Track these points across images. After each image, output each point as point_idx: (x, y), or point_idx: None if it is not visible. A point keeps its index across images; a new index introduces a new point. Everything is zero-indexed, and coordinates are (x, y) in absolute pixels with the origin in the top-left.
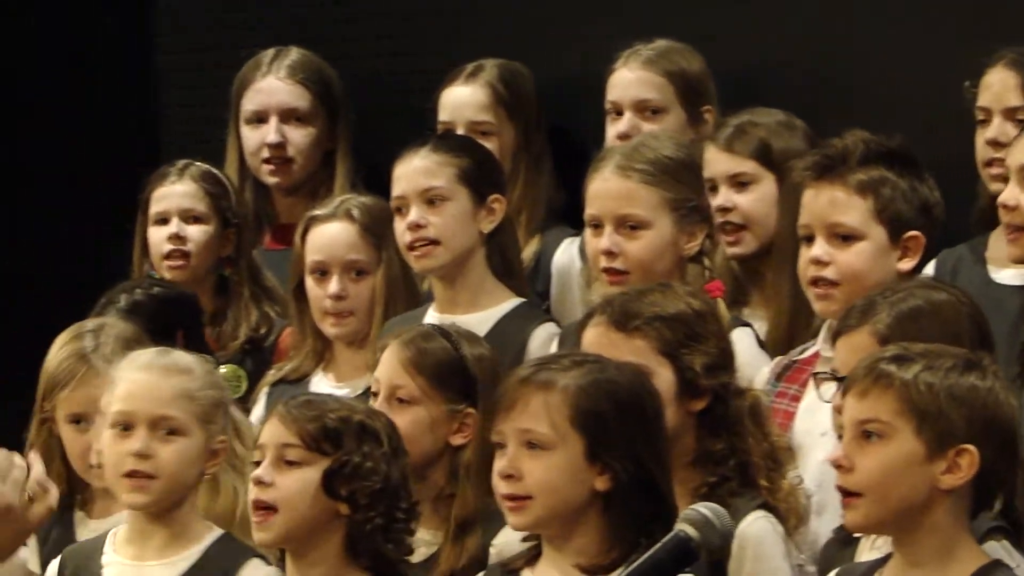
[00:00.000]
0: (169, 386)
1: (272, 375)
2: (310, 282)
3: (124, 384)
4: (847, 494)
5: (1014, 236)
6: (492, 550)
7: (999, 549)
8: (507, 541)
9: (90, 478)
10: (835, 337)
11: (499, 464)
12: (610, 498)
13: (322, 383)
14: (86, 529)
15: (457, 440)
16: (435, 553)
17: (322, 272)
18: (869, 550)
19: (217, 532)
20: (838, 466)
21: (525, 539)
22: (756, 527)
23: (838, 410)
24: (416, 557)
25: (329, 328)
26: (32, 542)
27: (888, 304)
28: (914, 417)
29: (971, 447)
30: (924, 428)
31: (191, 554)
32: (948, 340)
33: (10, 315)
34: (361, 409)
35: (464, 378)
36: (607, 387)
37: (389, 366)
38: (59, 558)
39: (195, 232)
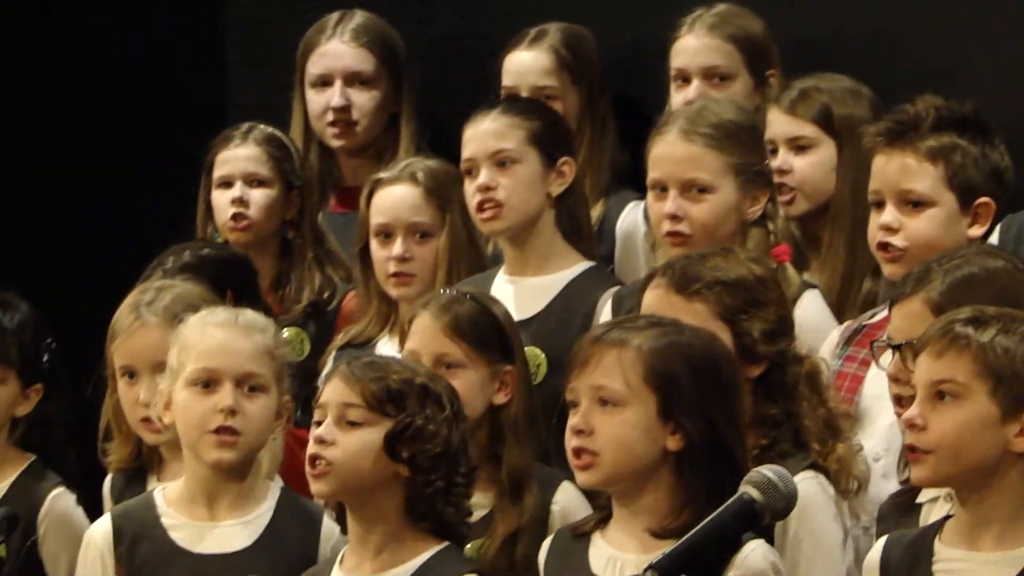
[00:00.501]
0: (252, 343)
1: (340, 339)
2: (374, 244)
3: (203, 341)
4: (917, 452)
5: None
6: (554, 507)
7: None
8: (569, 498)
9: (140, 432)
10: (891, 304)
11: (571, 420)
12: (682, 459)
13: (388, 346)
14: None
15: (499, 399)
16: (487, 515)
17: (386, 234)
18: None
19: (278, 487)
20: (911, 425)
21: (593, 501)
22: (804, 487)
23: (893, 378)
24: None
25: (393, 290)
26: (107, 502)
27: (943, 271)
28: (990, 379)
29: None
30: (999, 390)
31: (265, 510)
32: (1004, 306)
33: (77, 279)
34: (423, 372)
35: (501, 336)
36: (682, 349)
37: (430, 335)
38: (108, 524)
39: (258, 196)
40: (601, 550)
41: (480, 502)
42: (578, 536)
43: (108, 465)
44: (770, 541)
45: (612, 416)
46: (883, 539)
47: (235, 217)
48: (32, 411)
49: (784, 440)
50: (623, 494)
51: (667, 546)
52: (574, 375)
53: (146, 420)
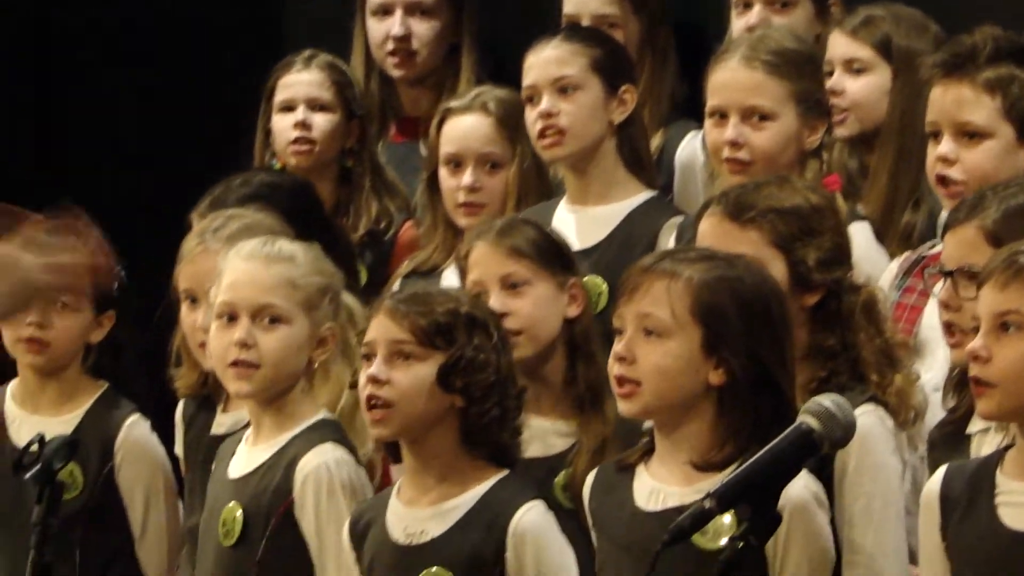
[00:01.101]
0: (270, 275)
1: (405, 267)
2: (443, 173)
3: (229, 274)
4: (981, 384)
5: None
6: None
7: None
8: None
9: (199, 357)
10: (944, 231)
11: (615, 347)
12: (725, 394)
13: (453, 276)
14: (218, 423)
15: (572, 311)
16: (573, 445)
17: (456, 164)
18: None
19: (313, 419)
20: (975, 357)
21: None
22: (864, 420)
23: (944, 305)
24: (553, 449)
25: (461, 219)
26: (179, 428)
27: (998, 199)
28: None
29: None
30: None
31: (281, 440)
32: None
33: (138, 207)
34: (466, 300)
35: (559, 250)
36: (732, 284)
37: (491, 260)
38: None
39: (320, 120)
40: (644, 482)
41: (567, 430)
42: (622, 469)
43: (177, 391)
44: (830, 476)
45: (655, 346)
46: (942, 469)
47: (297, 141)
48: (104, 339)
49: (842, 372)
50: (664, 426)
51: (709, 479)
52: (622, 302)
53: (203, 345)
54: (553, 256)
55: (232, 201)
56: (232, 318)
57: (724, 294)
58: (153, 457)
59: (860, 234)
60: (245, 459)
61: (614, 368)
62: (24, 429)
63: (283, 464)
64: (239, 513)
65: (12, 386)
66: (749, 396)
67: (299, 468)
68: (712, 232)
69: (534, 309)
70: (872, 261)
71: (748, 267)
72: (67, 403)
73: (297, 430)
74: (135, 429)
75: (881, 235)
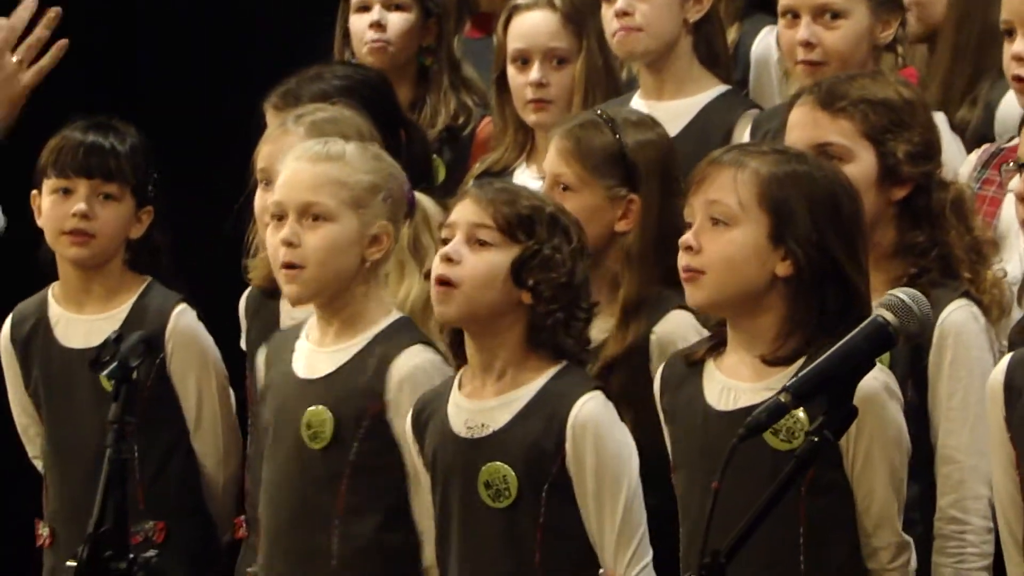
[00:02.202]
0: (314, 173)
1: (477, 167)
2: (511, 70)
3: (283, 174)
4: None
5: None
6: (652, 337)
7: None
8: (671, 328)
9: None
10: (1022, 124)
11: (682, 238)
12: (792, 285)
13: (524, 175)
14: (288, 317)
15: (621, 227)
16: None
17: (523, 60)
18: None
19: (391, 319)
20: None
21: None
22: (957, 316)
23: (1020, 198)
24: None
25: (530, 116)
26: (242, 319)
27: None
28: None
29: None
30: None
31: (360, 341)
32: None
33: (211, 97)
34: (552, 202)
35: (623, 165)
36: (801, 176)
37: (551, 156)
38: (270, 341)
39: (396, 19)
40: (715, 379)
41: (606, 327)
42: (691, 364)
43: (251, 283)
44: (925, 372)
45: (721, 234)
46: (1007, 358)
47: (373, 40)
48: (141, 237)
49: (933, 268)
50: (733, 318)
51: (779, 375)
52: (691, 194)
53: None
54: (610, 168)
55: (305, 93)
56: (282, 218)
57: (792, 185)
58: (203, 346)
59: (938, 126)
60: (318, 360)
61: (682, 259)
62: (71, 329)
63: (370, 366)
64: (328, 416)
65: (54, 287)
66: (816, 288)
67: (392, 371)
68: (803, 120)
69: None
70: (949, 153)
71: (819, 163)
72: (113, 299)
73: (375, 330)
74: (183, 317)
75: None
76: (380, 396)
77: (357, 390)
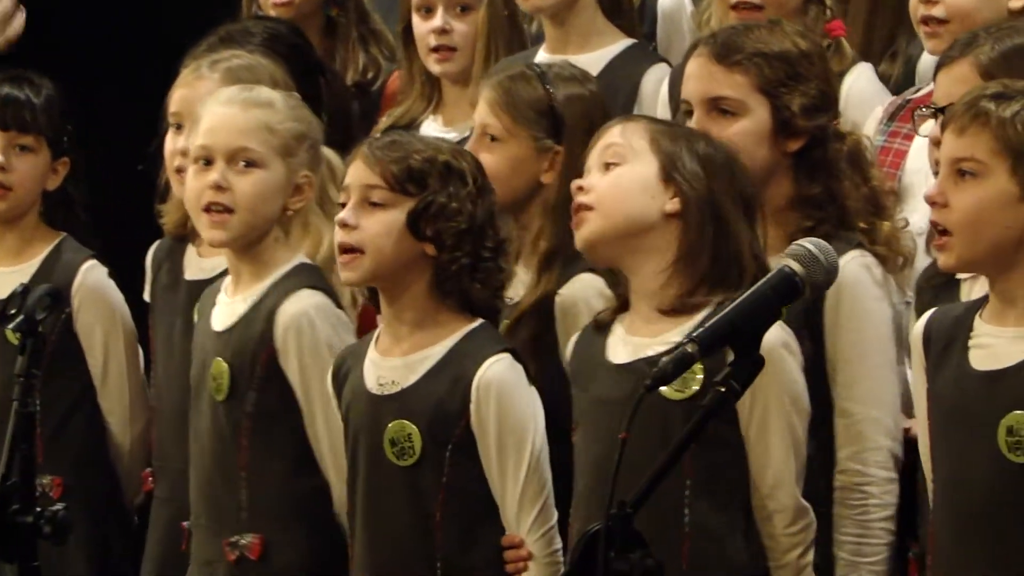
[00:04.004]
0: (246, 119)
1: (384, 121)
2: (416, 19)
3: (206, 119)
4: (939, 231)
5: None
6: (557, 299)
7: None
8: (571, 293)
9: (173, 182)
10: (936, 69)
11: (576, 181)
12: (680, 226)
13: (432, 127)
14: (196, 268)
15: (546, 178)
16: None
17: (427, 9)
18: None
19: (291, 265)
20: (932, 203)
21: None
22: (852, 267)
23: (935, 142)
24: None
25: (433, 65)
26: (148, 271)
27: (992, 38)
28: (1009, 156)
29: None
30: (1020, 168)
31: (260, 289)
32: None
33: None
34: (446, 149)
35: (552, 117)
36: (695, 135)
37: (480, 106)
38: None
39: None
40: (617, 336)
41: (524, 280)
42: (599, 328)
43: (164, 227)
44: (820, 324)
45: (613, 172)
46: (930, 311)
47: None
48: (56, 190)
49: (828, 220)
50: (622, 260)
51: (676, 327)
52: (587, 154)
53: (180, 171)
54: (539, 120)
55: (224, 48)
56: (208, 162)
57: (682, 136)
58: (111, 303)
59: (863, 76)
60: (226, 311)
61: (575, 203)
62: None
63: (262, 314)
64: (225, 368)
65: None
66: (703, 234)
67: (279, 317)
68: (698, 73)
69: (498, 165)
70: (873, 104)
71: (712, 139)
72: (24, 252)
73: (274, 278)
74: (92, 273)
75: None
76: (270, 343)
77: (251, 340)
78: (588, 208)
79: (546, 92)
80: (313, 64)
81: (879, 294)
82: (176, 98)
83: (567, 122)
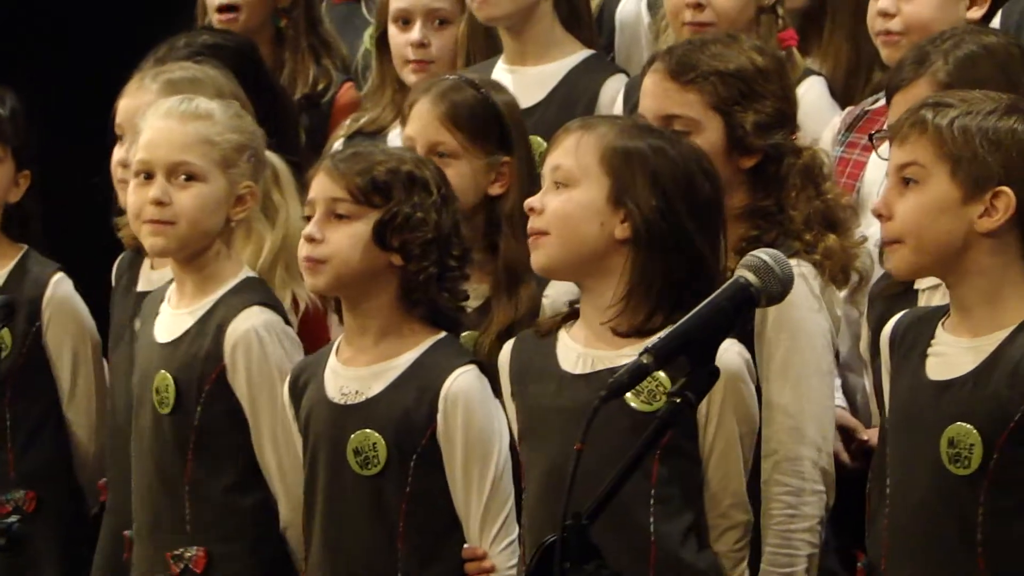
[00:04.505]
0: (185, 132)
1: (348, 126)
2: (393, 30)
3: (146, 132)
4: (888, 241)
5: None
6: (545, 300)
7: None
8: (558, 291)
9: (119, 191)
10: (891, 93)
11: (530, 200)
12: (633, 250)
13: (399, 137)
14: (146, 280)
15: (495, 189)
16: (483, 305)
17: (405, 20)
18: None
19: (239, 278)
20: (878, 215)
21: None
22: None
23: None
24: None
25: (410, 77)
26: (114, 282)
27: (942, 53)
28: (949, 161)
29: (1007, 189)
30: (959, 171)
31: (208, 302)
32: (1005, 83)
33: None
34: (409, 159)
35: (500, 127)
36: (651, 149)
37: (426, 122)
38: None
39: None
40: (568, 347)
41: (477, 291)
42: (542, 335)
43: (122, 240)
44: (750, 333)
45: (562, 194)
46: (900, 314)
47: (221, 9)
48: (17, 203)
49: (771, 230)
50: (578, 282)
51: (634, 344)
52: (546, 160)
53: (123, 182)
54: (488, 131)
55: (174, 59)
56: (149, 176)
57: (635, 151)
58: (80, 315)
59: (812, 89)
60: (171, 323)
61: (529, 223)
62: None
63: (211, 329)
64: (171, 381)
65: None
66: (659, 256)
67: (228, 334)
68: (654, 90)
69: (454, 183)
70: (823, 117)
71: (677, 139)
72: None
73: (221, 292)
74: (61, 287)
75: (849, 96)
76: (219, 359)
77: (199, 355)
78: (542, 232)
79: (489, 102)
80: (263, 79)
81: (814, 305)
82: (120, 109)
83: (512, 130)
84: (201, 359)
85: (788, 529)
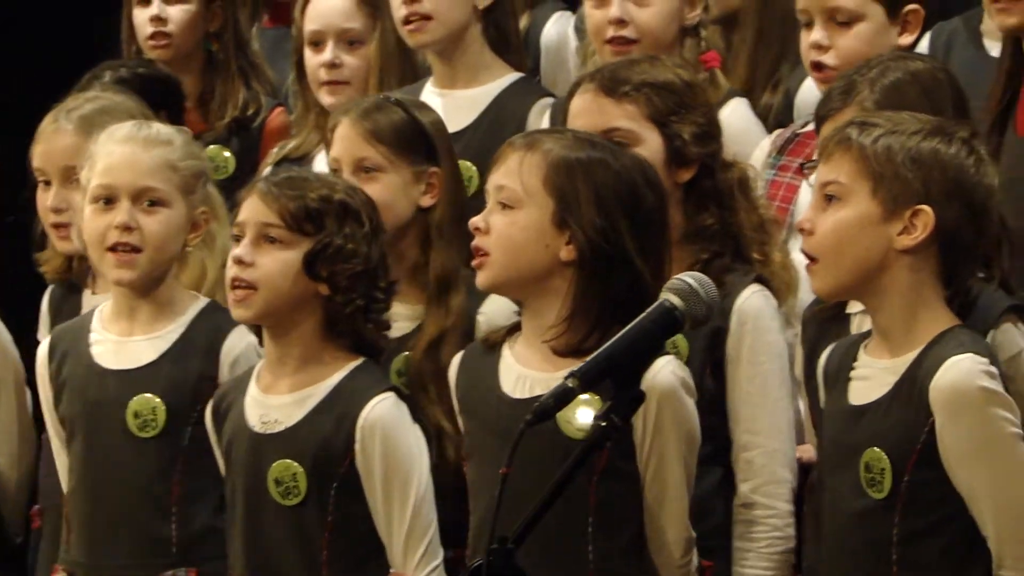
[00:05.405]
0: (150, 157)
1: (275, 153)
2: (308, 52)
3: (104, 158)
4: (809, 258)
5: (1004, 5)
6: (480, 317)
7: (1013, 331)
8: (494, 309)
9: (53, 239)
10: (819, 123)
11: (474, 219)
12: (577, 271)
13: (325, 161)
14: (89, 307)
15: (426, 201)
16: (416, 328)
17: (317, 43)
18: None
19: (203, 302)
20: (801, 229)
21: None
22: (753, 301)
23: None
24: (395, 332)
25: (324, 98)
26: (44, 316)
27: (868, 81)
28: (870, 179)
29: (926, 208)
30: (880, 189)
31: (177, 326)
32: (930, 108)
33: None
34: (341, 187)
35: (424, 140)
36: (592, 163)
37: (349, 141)
38: (48, 339)
39: (176, 12)
40: (510, 367)
41: (411, 314)
42: (488, 349)
43: (44, 275)
44: (723, 360)
45: (506, 216)
46: (832, 345)
47: (154, 36)
48: None
49: (724, 253)
50: (522, 300)
51: (573, 364)
52: (488, 177)
53: (56, 227)
54: (413, 143)
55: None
56: (109, 201)
57: (580, 170)
58: (3, 342)
59: (737, 110)
60: (134, 349)
61: (474, 241)
62: None
63: (200, 349)
64: (159, 404)
65: None
66: (601, 275)
67: (224, 351)
68: (587, 108)
69: (382, 195)
70: (749, 138)
71: (618, 152)
72: None
73: (191, 314)
74: None
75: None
76: (214, 379)
77: (189, 375)
78: (484, 252)
79: (412, 117)
80: (172, 99)
81: (779, 327)
82: (37, 153)
83: (438, 142)
84: (193, 379)
85: (779, 552)
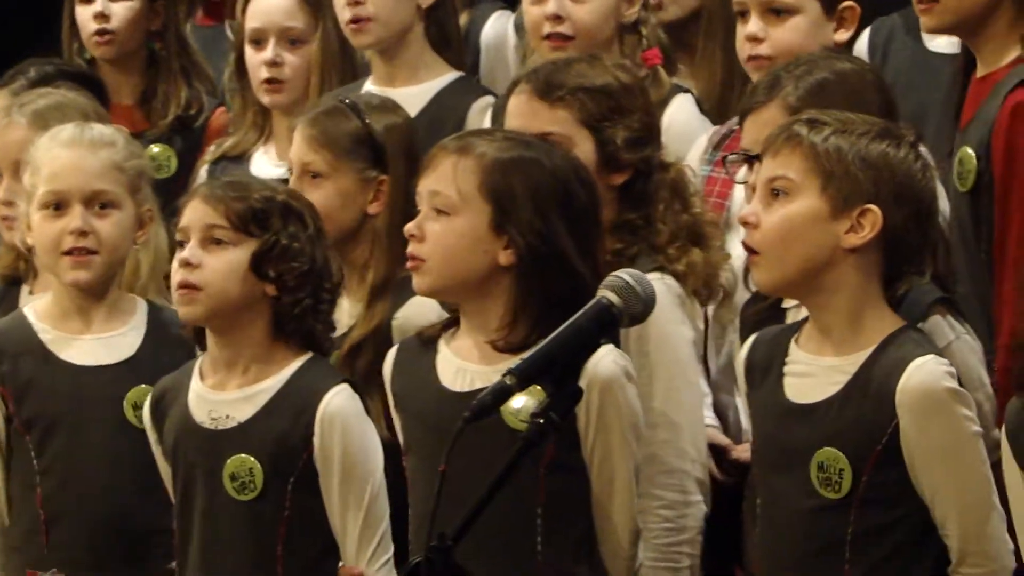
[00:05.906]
0: (98, 160)
1: (212, 152)
2: (249, 51)
3: (50, 163)
4: (751, 252)
5: (925, 6)
6: (394, 322)
7: (942, 323)
8: (408, 315)
9: (2, 231)
10: (743, 116)
11: (408, 225)
12: (516, 274)
13: (263, 159)
14: (25, 303)
15: (373, 208)
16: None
17: (259, 41)
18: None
19: (143, 301)
20: (745, 223)
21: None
22: None
23: (752, 188)
24: (342, 329)
25: (265, 97)
26: None
27: (794, 78)
28: (820, 176)
29: (874, 207)
30: (829, 187)
31: (136, 323)
32: (855, 109)
33: None
34: (283, 190)
35: (372, 147)
36: (527, 163)
37: (296, 145)
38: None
39: (119, 9)
40: (449, 361)
41: (352, 311)
42: (424, 343)
43: None
44: (617, 346)
45: (442, 223)
46: (753, 336)
47: (98, 32)
48: None
49: (638, 244)
50: (461, 304)
51: (512, 359)
52: (420, 181)
53: (5, 219)
54: (360, 151)
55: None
56: (60, 206)
57: (515, 172)
58: None
59: (682, 106)
60: (95, 348)
61: (409, 247)
62: None
63: (172, 342)
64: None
65: None
66: (541, 276)
67: None
68: (520, 111)
69: (324, 201)
70: (694, 134)
71: (550, 150)
72: None
73: (143, 312)
74: None
75: (723, 111)
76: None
77: (167, 368)
78: (421, 259)
79: (363, 123)
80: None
81: (676, 316)
82: None
83: (388, 151)
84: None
85: (667, 543)
